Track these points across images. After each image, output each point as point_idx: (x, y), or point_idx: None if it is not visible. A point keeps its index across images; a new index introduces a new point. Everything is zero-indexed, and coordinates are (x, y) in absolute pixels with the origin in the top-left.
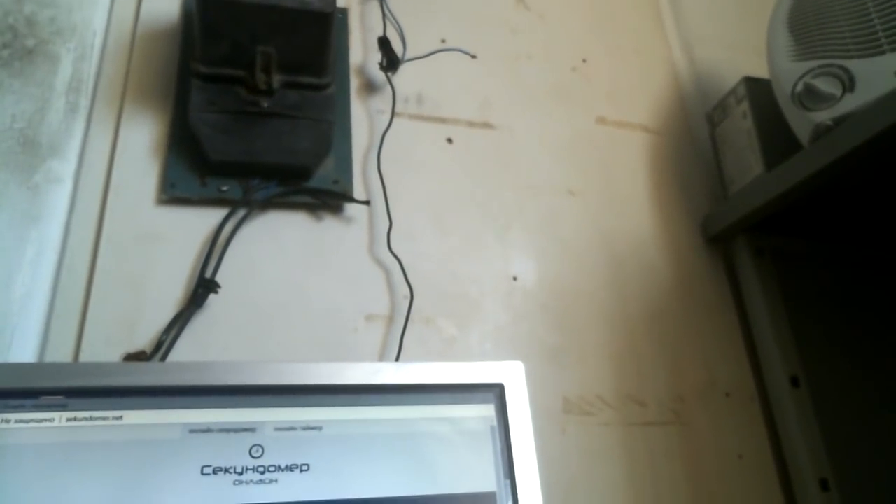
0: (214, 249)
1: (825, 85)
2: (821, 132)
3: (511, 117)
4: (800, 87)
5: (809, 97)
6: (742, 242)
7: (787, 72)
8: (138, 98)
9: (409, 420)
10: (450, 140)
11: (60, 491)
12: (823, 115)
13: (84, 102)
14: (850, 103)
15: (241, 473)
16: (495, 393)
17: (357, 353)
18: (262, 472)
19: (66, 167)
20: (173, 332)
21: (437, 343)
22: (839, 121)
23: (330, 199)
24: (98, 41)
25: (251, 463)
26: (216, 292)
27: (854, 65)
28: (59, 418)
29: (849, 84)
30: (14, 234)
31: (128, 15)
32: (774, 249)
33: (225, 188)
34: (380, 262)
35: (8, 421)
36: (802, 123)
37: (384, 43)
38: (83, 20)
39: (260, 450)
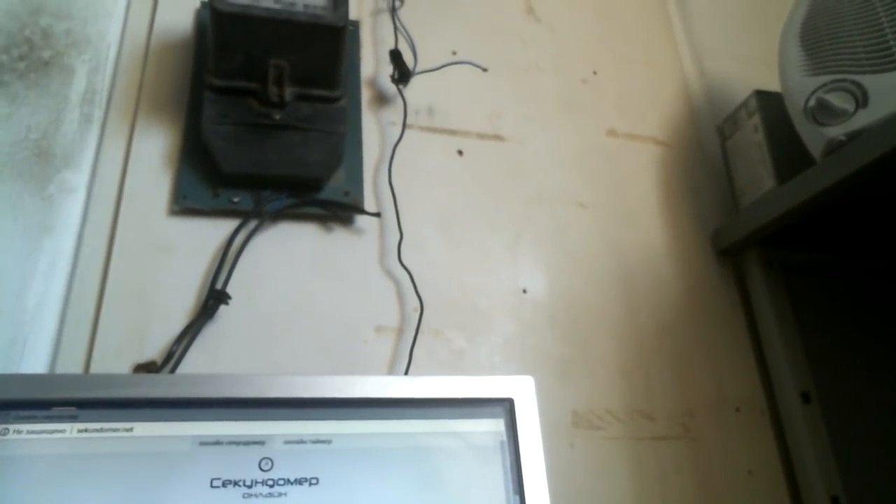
0: (225, 260)
1: (838, 100)
2: (833, 147)
3: (521, 129)
4: (812, 102)
5: (822, 112)
6: (753, 256)
7: (799, 86)
8: (151, 110)
9: (418, 434)
10: (460, 152)
11: (71, 501)
12: (836, 131)
13: (98, 114)
14: (863, 119)
15: (250, 486)
16: (505, 408)
17: (367, 364)
18: (272, 486)
19: (79, 178)
20: (184, 343)
21: (446, 355)
22: (852, 136)
23: (341, 210)
24: (112, 53)
25: (261, 476)
26: (227, 303)
27: (867, 80)
28: (71, 429)
29: (862, 99)
30: (28, 244)
31: (142, 27)
32: (785, 263)
33: (236, 199)
34: (390, 274)
35: (20, 431)
36: (815, 138)
37: (395, 55)
38: (98, 33)
39: (269, 463)
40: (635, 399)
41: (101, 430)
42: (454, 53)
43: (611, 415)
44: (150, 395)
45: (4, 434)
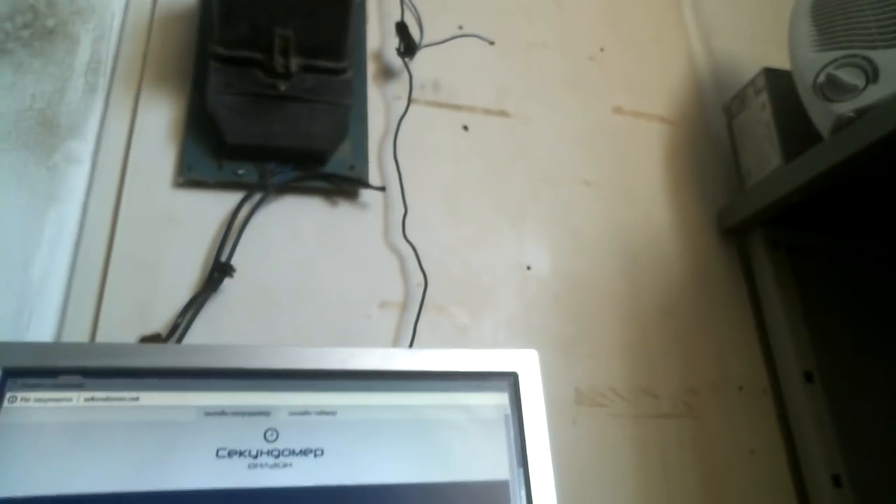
0: (230, 233)
1: (848, 76)
2: (842, 124)
3: (527, 106)
4: (822, 78)
5: (831, 88)
6: (758, 235)
7: (809, 62)
8: (156, 79)
9: (422, 407)
10: (466, 127)
11: (77, 469)
12: (845, 107)
13: (102, 83)
14: (873, 94)
15: (255, 457)
16: (509, 381)
17: (370, 339)
18: (277, 456)
19: (84, 148)
20: (188, 315)
21: (450, 331)
22: (861, 112)
23: (345, 184)
24: (117, 22)
25: (266, 446)
26: (231, 276)
27: (878, 55)
28: (77, 398)
29: (872, 75)
30: (33, 214)
31: None
32: (791, 243)
33: (241, 172)
34: (394, 249)
35: (27, 399)
36: (823, 115)
37: (402, 28)
38: (102, 1)
39: (274, 434)
40: (638, 377)
41: (108, 398)
42: (460, 28)
43: (614, 392)
44: (156, 364)
45: (12, 402)
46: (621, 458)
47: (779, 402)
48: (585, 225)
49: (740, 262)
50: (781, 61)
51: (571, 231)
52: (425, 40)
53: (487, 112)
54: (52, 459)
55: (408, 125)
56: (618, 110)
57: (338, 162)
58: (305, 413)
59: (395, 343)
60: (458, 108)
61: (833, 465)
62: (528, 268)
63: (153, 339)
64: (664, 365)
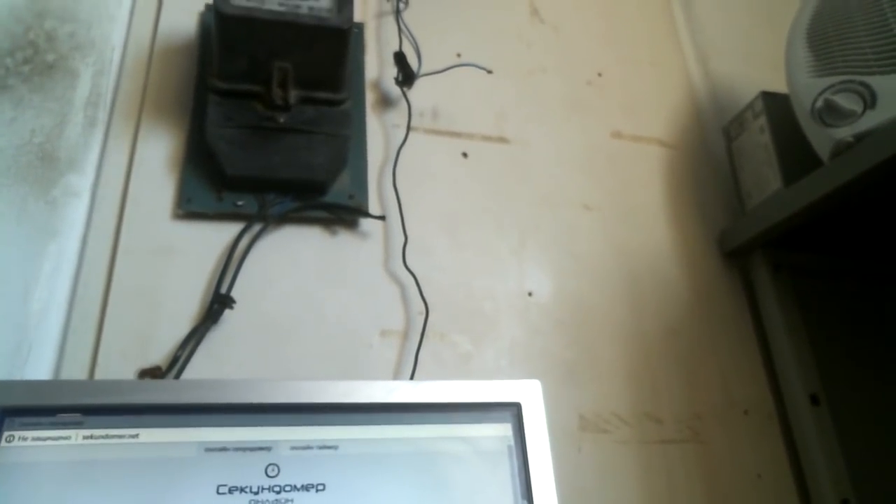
0: (230, 264)
1: (846, 101)
2: (841, 149)
3: (526, 131)
4: (820, 103)
5: (829, 113)
6: (760, 258)
7: (806, 87)
8: (155, 113)
9: (425, 439)
10: (465, 154)
11: None
12: (844, 132)
13: (102, 117)
14: (871, 120)
15: (256, 493)
16: (512, 412)
17: (372, 368)
18: (278, 492)
19: (83, 181)
20: (189, 348)
21: (452, 359)
22: (860, 137)
23: (345, 214)
24: (116, 56)
25: (267, 482)
26: (231, 308)
27: (875, 81)
28: (76, 436)
29: (870, 100)
30: (32, 248)
31: (146, 31)
32: (792, 265)
33: (241, 203)
34: (395, 278)
35: (25, 438)
36: (822, 139)
37: (400, 58)
38: (102, 36)
39: (276, 469)
40: (643, 402)
41: (107, 436)
42: (459, 55)
43: (618, 418)
44: (155, 401)
45: (10, 441)
46: (627, 485)
47: (785, 426)
48: (586, 249)
49: (742, 285)
50: (779, 83)
51: (572, 256)
52: (423, 69)
53: (486, 139)
54: (52, 499)
55: (407, 153)
56: (617, 134)
57: (337, 192)
58: (307, 447)
59: (397, 372)
60: (457, 135)
61: (842, 490)
62: (530, 294)
63: (153, 371)
64: (668, 390)
